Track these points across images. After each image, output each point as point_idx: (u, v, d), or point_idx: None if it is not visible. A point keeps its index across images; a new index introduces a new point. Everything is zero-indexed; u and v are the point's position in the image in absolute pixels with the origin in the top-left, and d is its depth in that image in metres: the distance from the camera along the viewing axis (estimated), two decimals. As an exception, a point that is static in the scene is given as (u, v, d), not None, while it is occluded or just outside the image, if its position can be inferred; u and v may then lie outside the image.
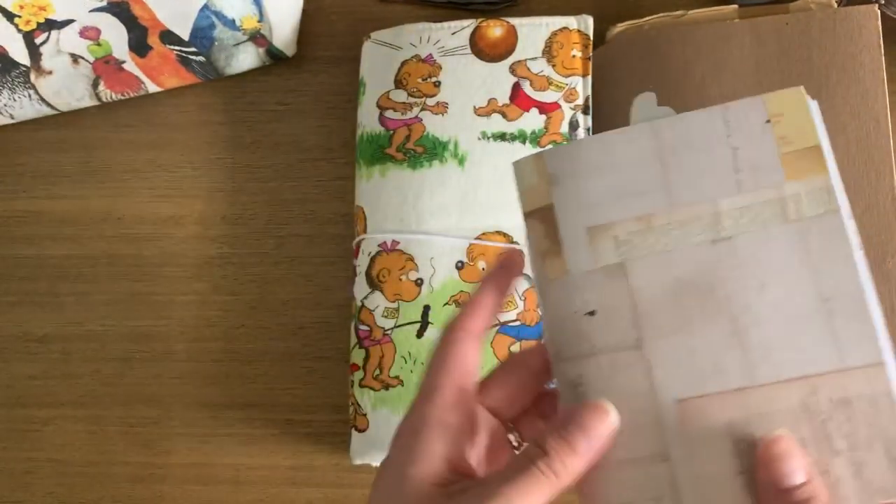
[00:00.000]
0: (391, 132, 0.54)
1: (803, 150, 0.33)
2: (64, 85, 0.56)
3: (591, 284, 0.34)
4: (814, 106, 0.33)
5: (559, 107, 0.53)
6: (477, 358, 0.34)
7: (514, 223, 0.51)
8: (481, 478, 0.33)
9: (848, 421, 0.31)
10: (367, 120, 0.55)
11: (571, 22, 0.54)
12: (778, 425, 0.31)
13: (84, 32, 0.53)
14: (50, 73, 0.55)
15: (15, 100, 0.57)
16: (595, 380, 0.33)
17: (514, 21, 0.54)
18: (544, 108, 0.53)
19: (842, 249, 0.32)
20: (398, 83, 0.54)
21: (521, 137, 0.52)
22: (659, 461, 0.32)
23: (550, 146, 0.49)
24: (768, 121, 0.33)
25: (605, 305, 0.33)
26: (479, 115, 0.53)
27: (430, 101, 0.53)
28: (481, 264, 0.51)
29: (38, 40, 0.53)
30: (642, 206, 0.34)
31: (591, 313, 0.34)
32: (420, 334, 0.51)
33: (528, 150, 0.52)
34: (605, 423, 0.32)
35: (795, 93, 0.33)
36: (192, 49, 0.55)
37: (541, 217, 0.35)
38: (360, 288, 0.53)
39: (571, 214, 0.34)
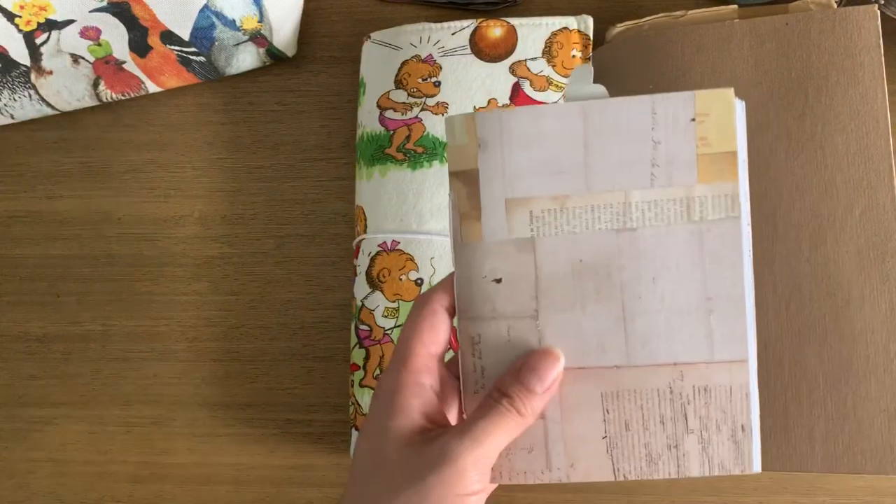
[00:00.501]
0: (391, 132, 0.54)
1: (720, 154, 0.34)
2: (64, 85, 0.56)
3: (501, 254, 0.36)
4: (740, 109, 0.35)
5: (559, 107, 0.53)
6: (447, 330, 0.37)
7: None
8: (456, 424, 0.37)
9: (705, 406, 0.35)
10: (368, 120, 0.55)
11: (571, 22, 0.54)
12: (644, 402, 0.36)
13: (84, 32, 0.53)
14: (50, 73, 0.55)
15: (15, 100, 0.57)
16: (492, 340, 0.36)
17: (514, 21, 0.54)
18: (544, 109, 0.53)
19: (733, 255, 0.35)
20: (398, 83, 0.54)
21: (521, 137, 0.52)
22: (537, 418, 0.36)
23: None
24: (693, 119, 0.34)
25: (511, 275, 0.36)
26: (479, 115, 0.53)
27: (430, 102, 0.53)
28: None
29: (38, 40, 0.53)
30: (560, 186, 0.35)
31: (498, 280, 0.36)
32: (420, 334, 0.51)
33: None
34: (554, 368, 0.35)
35: (724, 94, 0.34)
36: (193, 49, 0.55)
37: (465, 179, 0.36)
38: (361, 288, 0.53)
39: (494, 183, 0.36)
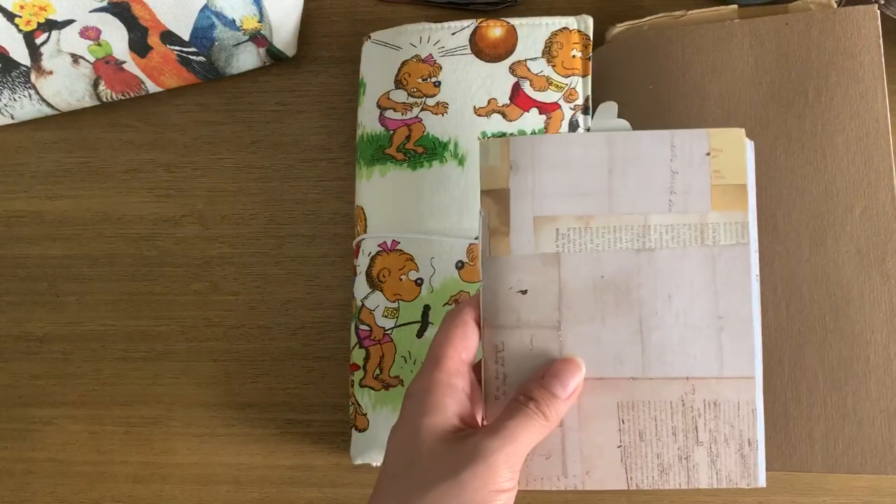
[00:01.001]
0: (391, 132, 0.54)
1: (732, 186, 0.38)
2: (64, 85, 0.56)
3: (528, 267, 0.38)
4: (750, 147, 0.38)
5: (559, 107, 0.53)
6: (476, 339, 0.39)
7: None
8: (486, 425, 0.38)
9: (714, 419, 0.37)
10: (368, 120, 0.55)
11: (571, 22, 0.54)
12: (657, 413, 0.37)
13: (84, 32, 0.53)
14: (50, 73, 0.55)
15: (15, 100, 0.57)
16: (515, 348, 0.38)
17: (514, 21, 0.54)
18: (544, 109, 0.53)
19: (743, 277, 0.37)
20: (398, 83, 0.54)
21: (521, 137, 0.52)
22: None
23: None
24: (708, 153, 0.38)
25: (536, 287, 0.38)
26: (479, 116, 0.53)
27: (430, 102, 0.53)
28: (481, 264, 0.51)
29: (38, 40, 0.53)
30: (585, 207, 0.38)
31: (523, 292, 0.38)
32: (420, 334, 0.51)
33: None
34: (576, 375, 0.37)
35: (737, 133, 0.38)
36: (193, 49, 0.55)
37: (496, 198, 0.39)
38: (361, 288, 0.53)
39: (524, 202, 0.39)
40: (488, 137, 0.39)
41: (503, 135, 0.52)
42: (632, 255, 0.38)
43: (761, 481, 0.37)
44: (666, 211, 0.38)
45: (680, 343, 0.37)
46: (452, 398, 0.37)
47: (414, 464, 0.36)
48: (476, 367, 0.39)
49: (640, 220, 0.38)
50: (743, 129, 0.38)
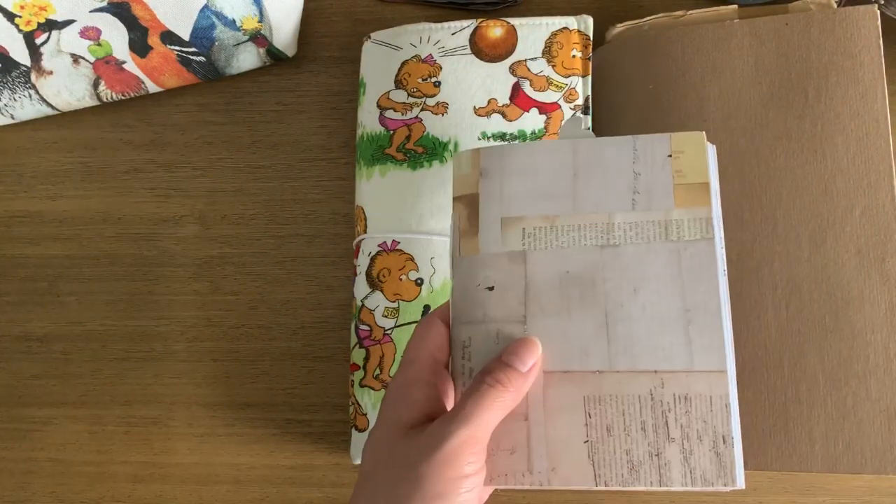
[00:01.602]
0: (391, 132, 0.54)
1: (694, 184, 0.39)
2: (64, 85, 0.56)
3: (495, 264, 0.39)
4: (711, 150, 0.39)
5: (559, 107, 0.53)
6: (446, 339, 0.39)
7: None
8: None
9: (685, 414, 0.36)
10: (368, 120, 0.55)
11: (571, 22, 0.54)
12: (625, 407, 0.37)
13: (84, 33, 0.53)
14: (50, 73, 0.55)
15: (15, 100, 0.57)
16: (481, 343, 0.39)
17: (514, 21, 0.54)
18: (544, 109, 0.53)
19: (709, 270, 0.38)
20: (398, 83, 0.54)
21: (521, 137, 0.52)
22: (520, 419, 0.38)
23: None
24: (670, 155, 0.39)
25: (503, 284, 0.39)
26: (478, 116, 0.53)
27: (430, 102, 0.53)
28: (481, 264, 0.51)
29: (38, 40, 0.53)
30: (550, 208, 0.40)
31: (490, 288, 0.39)
32: (420, 334, 0.51)
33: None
34: (533, 350, 0.37)
35: (697, 136, 0.39)
36: (193, 49, 0.55)
37: (467, 202, 0.41)
38: (361, 288, 0.53)
39: (492, 205, 0.40)
40: (459, 151, 0.41)
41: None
42: (596, 251, 0.39)
43: (739, 482, 0.36)
44: (629, 209, 0.39)
45: (647, 336, 0.37)
46: (421, 392, 0.37)
47: (381, 462, 0.36)
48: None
49: (605, 218, 0.39)
50: (703, 133, 0.39)
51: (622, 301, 0.38)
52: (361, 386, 0.52)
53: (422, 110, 0.53)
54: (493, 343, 0.38)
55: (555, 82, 0.53)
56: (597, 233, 0.39)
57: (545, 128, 0.52)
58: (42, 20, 0.52)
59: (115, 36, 0.54)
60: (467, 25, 0.54)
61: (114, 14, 0.52)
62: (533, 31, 0.54)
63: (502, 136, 0.52)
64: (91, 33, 0.53)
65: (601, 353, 0.37)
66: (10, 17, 0.51)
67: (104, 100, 0.58)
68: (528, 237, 0.39)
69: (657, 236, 0.38)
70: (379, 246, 0.53)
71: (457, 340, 0.39)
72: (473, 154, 0.41)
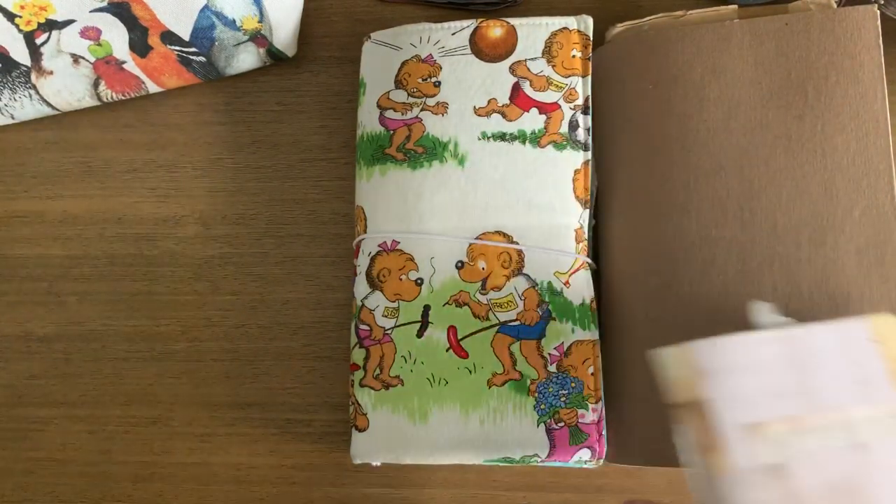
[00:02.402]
0: (391, 132, 0.54)
1: None
2: (64, 85, 0.56)
3: (754, 484, 0.35)
4: None
5: (559, 107, 0.53)
6: None
7: (514, 223, 0.51)
8: None
9: None
10: (368, 120, 0.55)
11: (571, 22, 0.54)
12: None
13: (85, 33, 0.53)
14: (50, 73, 0.55)
15: (15, 100, 0.57)
16: None
17: (514, 21, 0.54)
18: (544, 109, 0.53)
19: None
20: (398, 83, 0.54)
21: (521, 137, 0.52)
22: None
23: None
24: (872, 340, 0.37)
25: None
26: (478, 116, 0.53)
27: (430, 102, 0.53)
28: (481, 264, 0.51)
29: (38, 40, 0.53)
30: (787, 408, 0.36)
31: None
32: (420, 334, 0.51)
33: (527, 149, 0.52)
34: None
35: (892, 320, 0.37)
36: (193, 49, 0.55)
37: (695, 410, 0.37)
38: (361, 288, 0.53)
39: (728, 410, 0.36)
40: (660, 349, 0.38)
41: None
42: (848, 452, 0.35)
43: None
44: (861, 402, 0.36)
45: None
46: None
47: None
48: None
49: (843, 415, 0.36)
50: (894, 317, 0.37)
51: None
52: (361, 386, 0.52)
53: (422, 110, 0.53)
54: None
55: (555, 82, 0.53)
56: (841, 432, 0.36)
57: (545, 128, 0.52)
58: (42, 20, 0.52)
59: (116, 36, 0.54)
60: (467, 25, 0.54)
61: (114, 14, 0.52)
62: (533, 32, 0.54)
63: (502, 136, 0.52)
64: (91, 33, 0.53)
65: None
66: (11, 17, 0.51)
67: (104, 100, 0.58)
68: (777, 445, 0.35)
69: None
70: (379, 246, 0.53)
71: None
72: (683, 352, 0.37)
